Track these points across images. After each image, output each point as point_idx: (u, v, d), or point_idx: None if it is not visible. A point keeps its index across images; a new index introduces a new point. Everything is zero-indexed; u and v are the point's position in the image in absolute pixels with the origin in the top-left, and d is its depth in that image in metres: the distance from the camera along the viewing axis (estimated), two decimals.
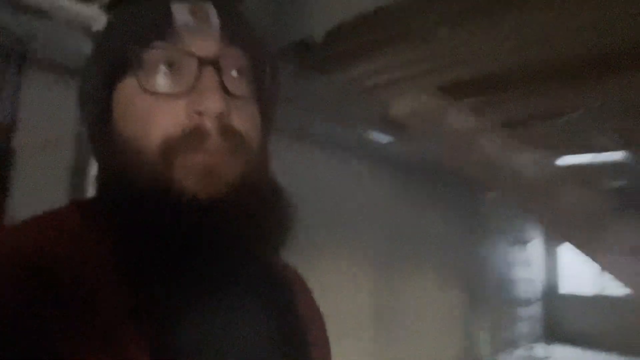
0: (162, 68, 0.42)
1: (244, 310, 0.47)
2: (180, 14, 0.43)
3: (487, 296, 5.40)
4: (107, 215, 0.43)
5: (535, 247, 6.46)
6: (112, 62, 0.44)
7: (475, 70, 2.28)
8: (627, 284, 2.50)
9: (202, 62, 0.42)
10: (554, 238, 6.58)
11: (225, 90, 0.42)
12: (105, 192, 0.45)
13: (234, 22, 0.46)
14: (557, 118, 2.84)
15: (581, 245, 2.51)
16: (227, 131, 0.42)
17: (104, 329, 0.37)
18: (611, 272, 2.49)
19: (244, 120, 0.44)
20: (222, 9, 0.45)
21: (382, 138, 3.46)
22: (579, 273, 6.46)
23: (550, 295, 6.90)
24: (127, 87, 0.43)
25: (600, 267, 2.47)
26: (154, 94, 0.42)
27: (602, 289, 6.34)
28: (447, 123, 2.57)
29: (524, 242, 6.09)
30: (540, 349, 6.09)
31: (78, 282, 0.38)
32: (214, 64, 0.42)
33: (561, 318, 6.68)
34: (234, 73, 0.45)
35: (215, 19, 0.44)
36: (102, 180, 0.46)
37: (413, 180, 4.31)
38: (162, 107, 0.41)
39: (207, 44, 0.43)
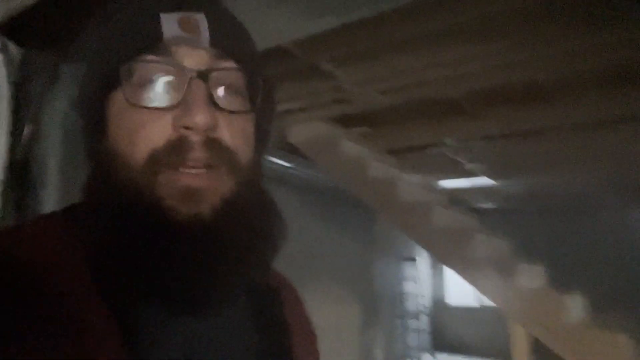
0: (150, 81, 0.41)
1: (229, 321, 0.45)
2: (169, 25, 0.41)
3: (380, 310, 5.77)
4: (88, 225, 0.41)
5: (423, 263, 7.00)
6: (103, 75, 0.43)
7: (360, 106, 2.56)
8: (490, 296, 2.86)
9: (191, 75, 0.40)
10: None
11: (214, 104, 0.41)
12: (91, 202, 0.44)
13: (228, 33, 0.44)
14: (433, 148, 3.26)
15: (449, 262, 2.87)
16: (213, 146, 0.40)
17: (81, 342, 0.36)
18: (476, 286, 2.85)
19: (234, 135, 0.42)
20: (215, 20, 0.43)
21: (282, 163, 3.67)
22: (464, 286, 7.08)
23: (438, 307, 7.45)
24: (118, 101, 0.42)
25: (467, 281, 2.81)
26: (142, 107, 0.40)
27: (484, 301, 7.01)
28: (338, 150, 2.83)
29: (412, 258, 6.60)
30: (426, 359, 6.58)
31: (54, 291, 0.37)
32: (203, 77, 0.41)
33: (447, 329, 7.23)
34: (225, 87, 0.43)
35: (205, 31, 0.42)
36: (89, 191, 0.45)
37: (312, 202, 4.55)
38: (149, 121, 0.40)
39: (196, 57, 0.41)
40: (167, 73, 0.41)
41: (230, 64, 0.43)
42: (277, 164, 3.69)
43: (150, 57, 0.40)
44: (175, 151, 0.39)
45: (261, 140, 0.48)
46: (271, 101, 0.50)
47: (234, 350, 0.44)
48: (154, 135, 0.40)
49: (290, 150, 3.07)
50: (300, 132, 2.80)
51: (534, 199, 5.39)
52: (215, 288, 0.41)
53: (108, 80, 0.42)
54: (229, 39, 0.44)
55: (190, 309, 0.41)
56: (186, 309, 0.41)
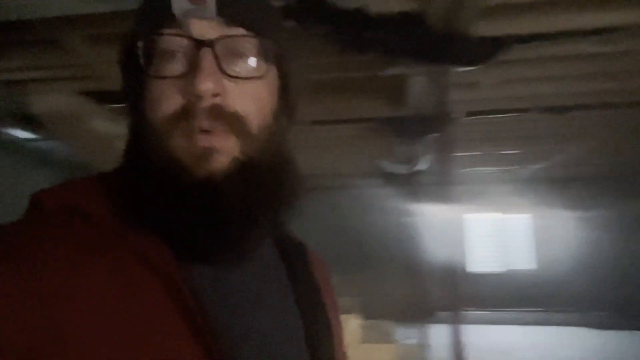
0: (163, 53, 0.44)
1: (263, 270, 0.50)
2: (177, 0, 0.43)
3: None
4: (119, 187, 0.45)
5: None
6: (130, 52, 0.47)
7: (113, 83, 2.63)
8: None
9: (198, 44, 0.43)
10: None
11: (221, 71, 0.43)
12: (126, 164, 0.48)
13: (236, 2, 0.46)
14: None
15: None
16: (220, 112, 0.43)
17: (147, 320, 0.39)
18: None
19: (243, 100, 0.45)
20: None
21: (22, 134, 3.39)
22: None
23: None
24: (144, 73, 0.45)
25: None
26: (158, 77, 0.44)
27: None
28: (86, 125, 2.82)
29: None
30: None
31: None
32: (210, 45, 0.43)
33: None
34: (234, 54, 0.45)
35: (212, 3, 0.44)
36: (124, 154, 0.48)
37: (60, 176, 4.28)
38: (164, 89, 0.44)
39: (204, 27, 0.44)
40: (178, 44, 0.43)
41: (239, 31, 0.45)
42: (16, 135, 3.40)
43: (162, 30, 0.44)
44: (185, 117, 0.42)
45: (285, 107, 0.51)
46: (292, 67, 0.51)
47: (274, 296, 0.49)
48: (168, 102, 0.43)
49: (33, 122, 2.91)
50: (44, 102, 2.70)
51: None
52: (227, 239, 0.44)
53: (135, 56, 0.45)
54: (237, 7, 0.45)
55: (211, 258, 0.45)
56: (209, 258, 0.45)
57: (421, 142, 2.98)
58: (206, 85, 0.41)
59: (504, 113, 2.88)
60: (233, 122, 0.44)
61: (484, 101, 2.68)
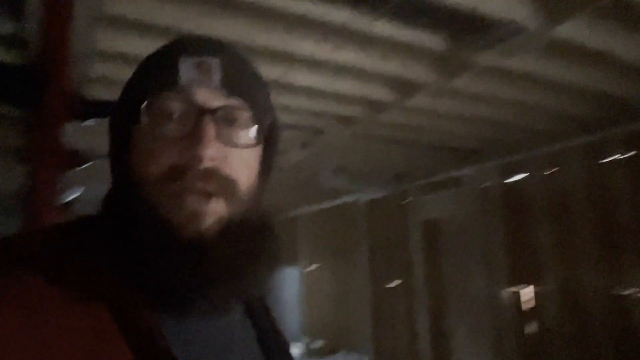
0: (166, 115, 0.46)
1: (233, 323, 0.51)
2: (186, 68, 0.46)
3: None
4: (103, 235, 0.46)
5: None
6: (130, 108, 0.48)
7: None
8: None
9: (202, 111, 0.45)
10: None
11: (220, 138, 0.46)
12: (110, 212, 0.49)
13: (238, 76, 0.49)
14: None
15: None
16: (216, 176, 0.45)
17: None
18: None
19: (237, 166, 0.47)
20: (228, 64, 0.48)
21: None
22: None
23: None
24: (139, 131, 0.48)
25: None
26: (158, 137, 0.46)
27: None
28: None
29: None
30: None
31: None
32: (213, 113, 0.45)
33: None
34: (232, 123, 0.47)
35: (217, 74, 0.47)
36: (107, 204, 0.50)
37: None
38: (163, 148, 0.46)
39: (209, 96, 0.46)
40: (181, 108, 0.46)
41: (239, 102, 0.48)
42: None
43: (168, 94, 0.46)
44: (181, 177, 0.44)
45: (265, 169, 0.54)
46: (276, 135, 0.55)
47: (241, 345, 0.51)
48: (165, 160, 0.45)
49: None
50: None
51: None
52: (213, 296, 0.45)
53: (133, 113, 0.47)
54: (239, 80, 0.49)
55: (192, 313, 0.45)
56: (189, 313, 0.45)
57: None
58: (208, 150, 0.44)
59: None
60: (225, 185, 0.46)
61: None
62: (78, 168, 2.78)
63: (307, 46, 1.65)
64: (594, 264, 2.57)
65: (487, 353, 3.15)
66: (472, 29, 1.53)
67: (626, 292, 2.43)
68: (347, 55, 1.72)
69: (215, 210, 0.45)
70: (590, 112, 2.38)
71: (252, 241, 0.48)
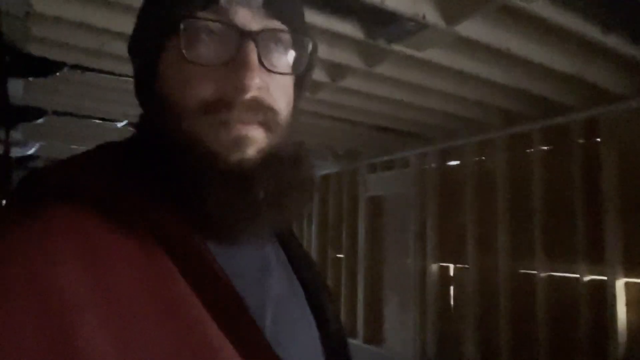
0: (204, 38, 0.43)
1: (271, 253, 0.50)
2: None
3: None
4: (147, 164, 0.44)
5: None
6: (160, 26, 0.45)
7: None
8: None
9: (243, 34, 0.42)
10: None
11: (262, 65, 0.43)
12: (145, 142, 0.46)
13: None
14: None
15: None
16: (258, 105, 0.43)
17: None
18: None
19: (278, 95, 0.45)
20: None
21: None
22: None
23: None
24: (172, 51, 0.44)
25: None
26: (195, 62, 0.42)
27: None
28: None
29: None
30: None
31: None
32: (254, 37, 0.42)
33: None
34: (274, 48, 0.45)
35: None
36: (143, 131, 0.48)
37: None
38: (202, 75, 0.42)
39: (249, 17, 0.43)
40: (221, 32, 0.43)
41: (280, 25, 0.45)
42: None
43: (206, 15, 0.42)
44: (226, 108, 0.42)
45: (299, 96, 0.51)
46: (313, 62, 0.52)
47: (278, 270, 0.50)
48: (206, 89, 0.42)
49: None
50: None
51: None
52: (256, 224, 0.44)
53: (165, 29, 0.44)
54: (280, 2, 0.45)
55: (237, 239, 0.44)
56: (235, 239, 0.44)
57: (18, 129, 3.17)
58: (253, 80, 0.42)
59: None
60: (268, 115, 0.44)
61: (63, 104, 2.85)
62: (29, 123, 2.88)
63: None
64: (508, 246, 2.81)
65: (412, 322, 3.42)
66: (383, 21, 1.68)
67: (530, 272, 2.68)
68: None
69: (258, 139, 0.44)
70: (514, 106, 2.58)
71: (291, 171, 0.46)
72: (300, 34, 0.47)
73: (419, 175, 3.52)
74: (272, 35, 0.44)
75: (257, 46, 0.42)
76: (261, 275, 0.47)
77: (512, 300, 2.76)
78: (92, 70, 2.12)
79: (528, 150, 2.76)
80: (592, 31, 1.69)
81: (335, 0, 1.61)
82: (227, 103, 0.42)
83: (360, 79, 2.26)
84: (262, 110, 0.43)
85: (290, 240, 0.56)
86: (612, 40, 1.76)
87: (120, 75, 2.19)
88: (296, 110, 0.51)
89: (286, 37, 0.46)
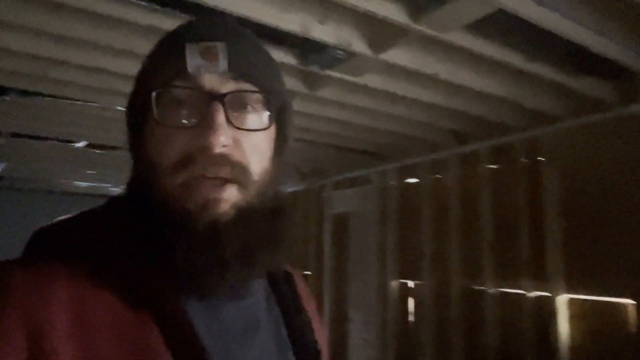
0: (175, 103, 0.46)
1: (258, 303, 0.52)
2: (192, 55, 0.46)
3: None
4: (130, 220, 0.47)
5: None
6: (141, 99, 0.49)
7: None
8: None
9: (211, 97, 0.45)
10: None
11: (230, 123, 0.45)
12: (133, 202, 0.49)
13: (246, 59, 0.48)
14: None
15: None
16: (228, 161, 0.45)
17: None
18: None
19: (248, 151, 0.47)
20: (235, 47, 0.47)
21: None
22: None
23: None
24: (152, 119, 0.48)
25: None
26: (169, 126, 0.46)
27: None
28: None
29: None
30: None
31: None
32: (220, 99, 0.45)
33: None
34: (241, 107, 0.47)
35: (224, 59, 0.46)
36: (130, 190, 0.52)
37: None
38: (174, 137, 0.46)
39: (215, 81, 0.46)
40: (190, 96, 0.46)
41: (248, 86, 0.48)
42: None
43: (176, 83, 0.46)
44: (192, 164, 0.45)
45: (278, 152, 0.53)
46: (288, 118, 0.54)
47: (264, 326, 0.51)
48: (177, 149, 0.45)
49: None
50: None
51: None
52: (229, 278, 0.45)
53: (144, 104, 0.48)
54: (248, 64, 0.48)
55: (212, 294, 0.46)
56: (210, 294, 0.46)
57: None
58: (217, 137, 0.44)
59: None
60: (237, 171, 0.46)
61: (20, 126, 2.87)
62: None
63: None
64: (460, 262, 2.87)
65: (374, 338, 3.44)
66: (315, 49, 1.76)
67: (480, 288, 2.74)
68: None
69: (229, 196, 0.45)
70: (461, 126, 2.66)
71: (266, 224, 0.48)
72: (270, 93, 0.50)
73: (380, 193, 3.59)
74: (239, 96, 0.47)
75: (224, 107, 0.45)
76: (244, 332, 0.48)
77: (464, 315, 2.81)
78: (39, 94, 2.17)
79: (477, 169, 2.84)
80: (515, 59, 1.78)
81: (269, 28, 1.69)
82: (193, 160, 0.45)
83: (306, 102, 2.33)
84: (229, 165, 0.46)
85: (285, 294, 0.57)
86: (537, 68, 1.85)
87: (65, 98, 2.24)
88: (279, 162, 0.53)
89: (255, 96, 0.49)
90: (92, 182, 5.35)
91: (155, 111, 0.47)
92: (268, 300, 0.54)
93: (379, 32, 1.65)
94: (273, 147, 0.52)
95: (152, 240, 0.45)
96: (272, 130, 0.52)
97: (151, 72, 0.50)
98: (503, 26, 1.60)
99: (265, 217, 0.49)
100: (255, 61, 0.50)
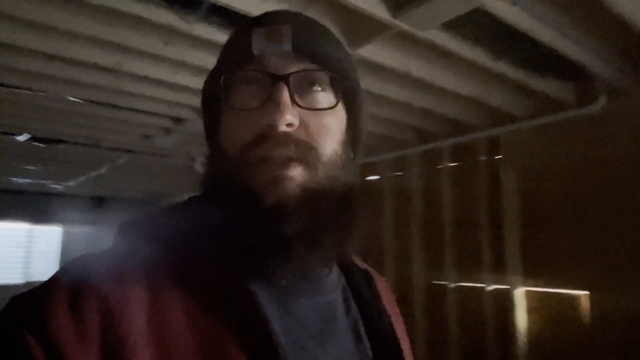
0: (242, 87, 0.48)
1: (333, 298, 0.50)
2: (257, 39, 0.47)
3: None
4: (204, 213, 0.48)
5: None
6: (214, 87, 0.50)
7: None
8: None
9: (274, 78, 0.46)
10: None
11: (295, 103, 0.46)
12: (207, 190, 0.51)
13: (311, 40, 0.49)
14: None
15: None
16: (293, 141, 0.45)
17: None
18: None
19: (315, 131, 0.47)
20: (299, 29, 0.48)
21: None
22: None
23: None
24: (224, 105, 0.50)
25: None
26: (236, 110, 0.48)
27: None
28: None
29: None
30: None
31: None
32: (285, 79, 0.46)
33: None
34: (307, 87, 0.48)
35: (288, 40, 0.47)
36: (206, 181, 0.51)
37: None
38: (242, 120, 0.47)
39: (280, 62, 0.47)
40: (256, 78, 0.48)
41: (313, 66, 0.48)
42: None
43: (243, 66, 0.48)
44: (261, 145, 0.45)
45: (353, 136, 0.53)
46: (357, 98, 0.54)
47: (341, 327, 0.49)
48: (243, 132, 0.46)
49: None
50: None
51: None
52: (291, 263, 0.44)
53: (216, 91, 0.49)
54: (312, 45, 0.49)
55: (277, 278, 0.45)
56: (276, 278, 0.45)
57: None
58: (283, 116, 0.44)
59: None
60: (302, 150, 0.46)
61: None
62: None
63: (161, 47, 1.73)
64: (421, 257, 2.93)
65: None
66: None
67: (442, 282, 2.81)
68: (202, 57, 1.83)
69: (295, 174, 0.45)
70: (424, 124, 2.71)
71: (334, 209, 0.47)
72: (336, 73, 0.49)
73: None
74: (304, 76, 0.48)
75: (289, 87, 0.46)
76: (321, 330, 0.47)
77: (426, 309, 2.87)
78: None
79: (439, 167, 2.90)
80: (482, 57, 1.82)
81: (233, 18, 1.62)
82: (262, 139, 0.45)
83: None
84: (296, 146, 0.46)
85: (364, 294, 0.55)
86: (502, 66, 1.90)
87: (6, 86, 2.05)
88: (354, 147, 0.54)
89: (321, 76, 0.49)
90: (31, 179, 5.01)
91: (223, 95, 0.48)
92: (346, 301, 0.53)
93: (358, 27, 1.63)
94: (344, 131, 0.52)
95: (224, 228, 0.45)
96: (342, 114, 0.52)
97: (222, 60, 0.52)
98: (474, 25, 1.63)
99: (335, 201, 0.48)
100: (320, 42, 0.50)
